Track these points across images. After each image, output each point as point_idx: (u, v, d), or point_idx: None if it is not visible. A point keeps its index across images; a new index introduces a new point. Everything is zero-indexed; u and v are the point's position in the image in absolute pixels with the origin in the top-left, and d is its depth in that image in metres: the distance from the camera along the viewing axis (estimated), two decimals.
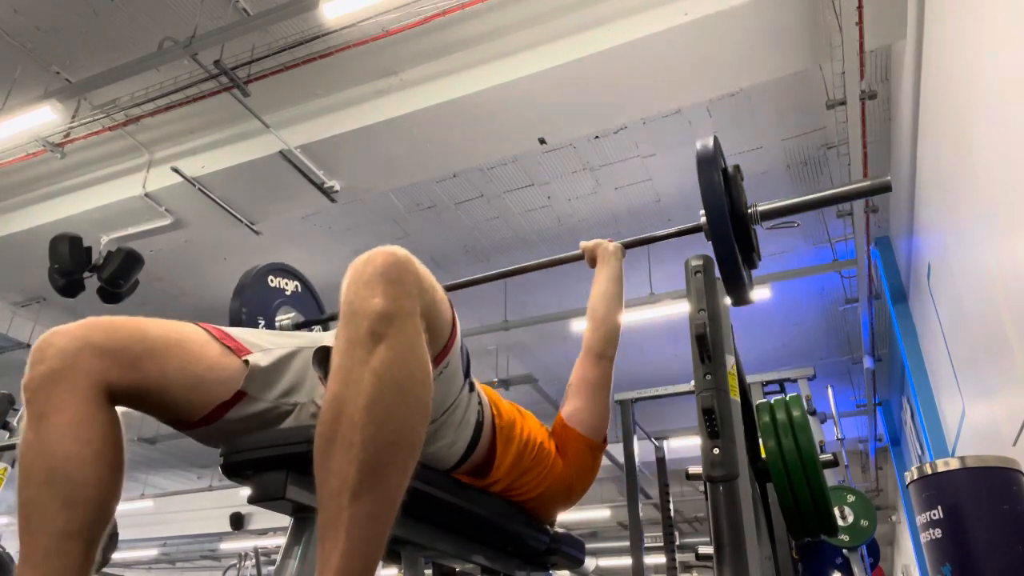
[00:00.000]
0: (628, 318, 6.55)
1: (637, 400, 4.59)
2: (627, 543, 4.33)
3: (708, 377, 1.61)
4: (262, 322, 1.88)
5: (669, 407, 5.79)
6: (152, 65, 4.32)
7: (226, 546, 12.65)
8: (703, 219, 1.55)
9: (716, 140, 1.55)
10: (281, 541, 1.00)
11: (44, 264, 4.88)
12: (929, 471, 2.20)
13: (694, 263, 1.78)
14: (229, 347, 1.04)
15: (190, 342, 1.01)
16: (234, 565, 8.39)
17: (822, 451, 4.00)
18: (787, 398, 1.82)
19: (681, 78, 4.21)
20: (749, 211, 1.62)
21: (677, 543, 4.22)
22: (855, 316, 6.82)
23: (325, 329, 2.00)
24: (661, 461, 4.76)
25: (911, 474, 2.28)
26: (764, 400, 1.86)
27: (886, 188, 1.59)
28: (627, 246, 1.83)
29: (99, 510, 0.89)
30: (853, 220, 5.07)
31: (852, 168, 4.56)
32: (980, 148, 2.79)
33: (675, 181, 5.68)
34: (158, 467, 11.80)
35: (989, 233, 2.83)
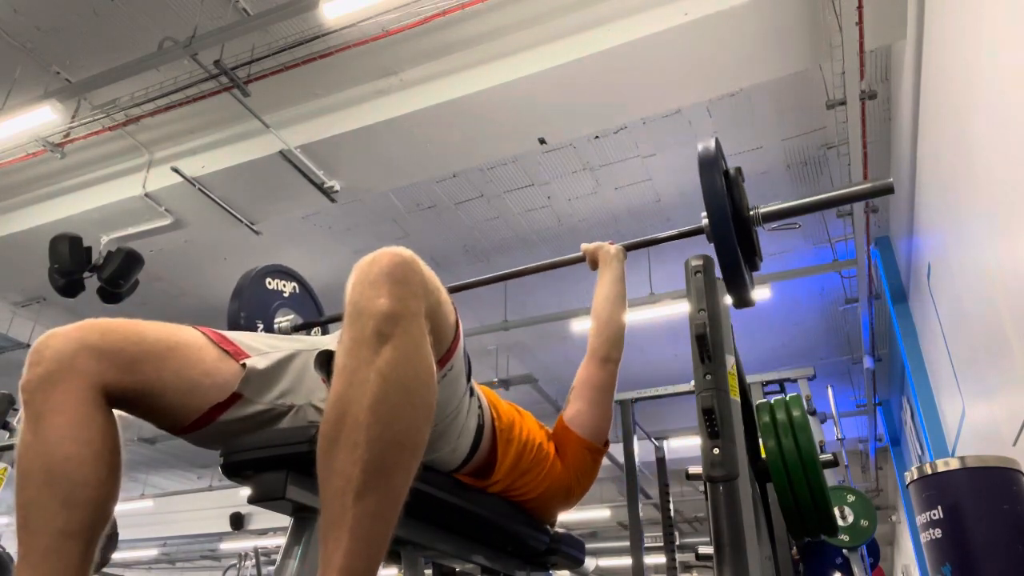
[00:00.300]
0: (628, 318, 6.55)
1: (637, 400, 4.59)
2: (627, 543, 4.33)
3: (708, 377, 1.61)
4: (261, 325, 1.87)
5: (669, 407, 5.80)
6: (152, 65, 4.32)
7: (226, 546, 12.64)
8: (704, 221, 1.55)
9: (717, 142, 1.55)
10: (281, 541, 1.00)
11: (44, 264, 4.88)
12: (929, 471, 2.20)
13: (694, 263, 1.78)
14: (227, 351, 1.04)
15: (187, 346, 1.01)
16: (234, 565, 8.39)
17: (822, 451, 4.00)
18: (787, 398, 1.82)
19: (681, 78, 4.20)
20: (751, 213, 1.62)
21: (677, 543, 4.22)
22: (855, 316, 6.82)
23: (324, 331, 2.00)
24: (661, 461, 4.77)
25: (911, 474, 2.28)
26: (764, 400, 1.86)
27: (888, 190, 1.60)
28: (628, 248, 1.83)
29: (98, 510, 0.89)
30: (853, 220, 5.07)
31: (852, 168, 4.56)
32: (980, 148, 2.79)
33: (675, 181, 5.68)
34: (158, 467, 11.80)
35: (989, 233, 2.83)
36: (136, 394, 0.95)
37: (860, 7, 3.55)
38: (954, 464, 2.17)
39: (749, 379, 3.69)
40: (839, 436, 6.66)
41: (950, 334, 4.04)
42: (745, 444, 1.58)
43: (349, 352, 0.84)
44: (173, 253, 6.22)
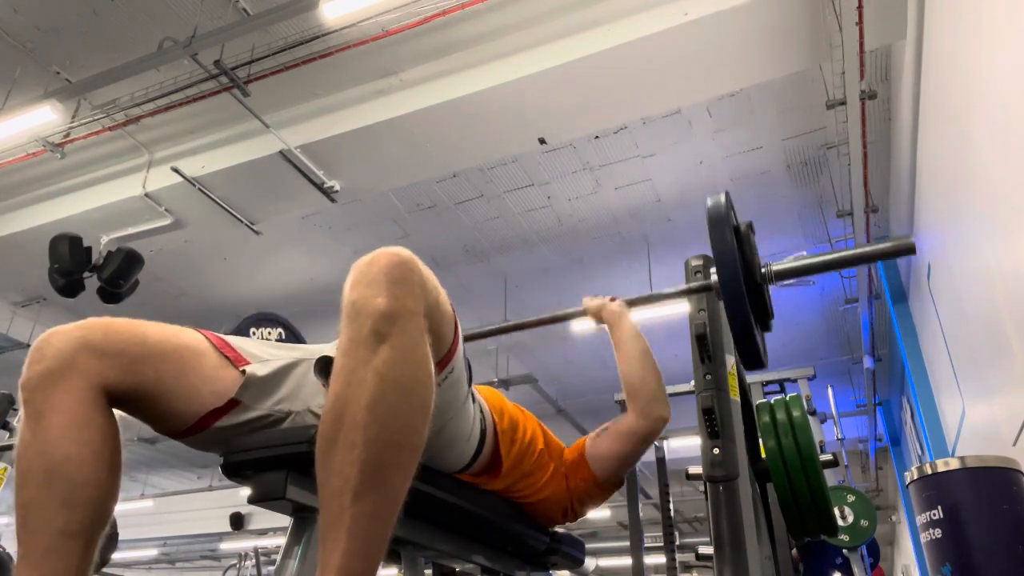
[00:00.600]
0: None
1: None
2: (627, 543, 4.33)
3: (708, 377, 1.61)
4: None
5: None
6: (152, 65, 4.31)
7: (226, 546, 12.64)
8: (714, 278, 1.47)
9: (727, 196, 1.48)
10: (281, 541, 1.00)
11: (44, 264, 4.88)
12: (929, 471, 2.20)
13: (694, 263, 1.78)
14: (228, 357, 1.04)
15: (189, 349, 1.00)
16: (234, 565, 8.39)
17: (822, 451, 4.01)
18: (787, 398, 1.82)
19: (681, 78, 4.20)
20: (763, 271, 1.54)
21: (677, 543, 4.22)
22: (855, 316, 6.82)
23: None
24: (661, 461, 4.76)
25: (911, 474, 2.28)
26: (764, 400, 1.86)
27: (910, 250, 1.49)
28: (631, 304, 1.75)
29: (98, 510, 0.89)
30: (853, 220, 5.06)
31: (852, 168, 4.56)
32: (980, 148, 2.79)
33: (675, 181, 5.68)
34: (158, 467, 11.80)
35: (989, 233, 2.83)
36: (136, 395, 0.95)
37: (860, 7, 3.54)
38: (954, 464, 2.17)
39: (749, 379, 3.69)
40: (839, 436, 6.66)
41: (950, 334, 4.04)
42: (745, 444, 1.59)
43: (347, 352, 0.84)
44: (173, 253, 6.22)
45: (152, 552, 13.75)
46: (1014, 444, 2.76)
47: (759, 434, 1.81)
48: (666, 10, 3.90)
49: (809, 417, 2.92)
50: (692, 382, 1.65)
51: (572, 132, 4.85)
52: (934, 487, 2.17)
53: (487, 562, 1.42)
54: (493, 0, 4.10)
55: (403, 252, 0.90)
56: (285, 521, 0.99)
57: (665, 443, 4.97)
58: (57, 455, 0.87)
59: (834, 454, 4.00)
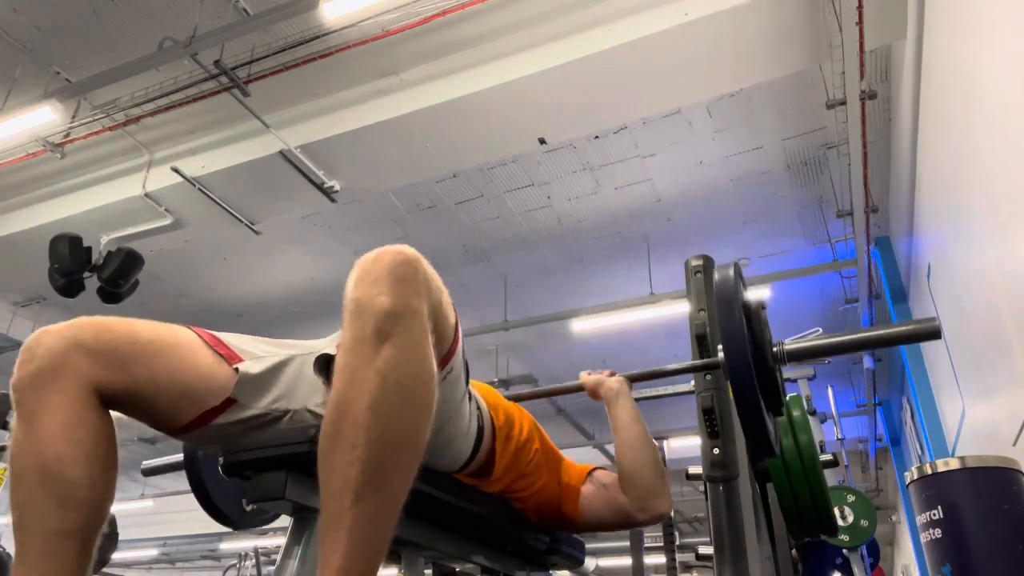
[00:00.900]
0: (628, 318, 6.56)
1: (637, 400, 4.58)
2: (627, 543, 4.33)
3: (708, 377, 1.61)
4: None
5: (669, 407, 5.80)
6: (152, 65, 4.32)
7: (226, 546, 12.64)
8: (721, 355, 1.36)
9: (737, 269, 1.37)
10: (281, 541, 1.00)
11: (44, 264, 4.88)
12: (929, 471, 2.20)
13: (694, 263, 1.78)
14: (221, 354, 1.03)
15: (181, 347, 1.00)
16: (234, 565, 8.39)
17: (822, 451, 4.00)
18: (787, 398, 1.82)
19: (681, 78, 4.20)
20: (774, 350, 1.43)
21: (677, 543, 4.22)
22: (855, 316, 6.82)
23: None
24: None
25: (911, 474, 2.28)
26: None
27: (935, 334, 1.35)
28: (633, 380, 1.63)
29: (93, 510, 0.89)
30: (853, 220, 5.06)
31: (852, 168, 4.56)
32: (980, 148, 2.79)
33: (675, 181, 5.68)
34: None
35: (989, 233, 2.83)
36: (129, 394, 0.94)
37: (860, 7, 3.54)
38: (954, 464, 2.17)
39: None
40: (839, 436, 6.65)
41: (950, 334, 4.04)
42: (745, 444, 1.59)
43: (349, 350, 0.83)
44: (173, 253, 6.22)
45: (152, 552, 13.75)
46: (1014, 444, 2.76)
47: None
48: (666, 10, 3.90)
49: (809, 417, 2.92)
50: (692, 382, 1.65)
51: (572, 132, 4.85)
52: (934, 487, 2.17)
53: (487, 562, 1.42)
54: (493, 0, 4.10)
55: (407, 250, 0.89)
56: (285, 521, 0.99)
57: (665, 443, 4.97)
58: (50, 455, 0.86)
59: (834, 454, 4.00)
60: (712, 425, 1.54)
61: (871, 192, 4.86)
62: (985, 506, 2.06)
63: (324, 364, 1.04)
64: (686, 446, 7.35)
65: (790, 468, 1.69)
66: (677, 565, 4.01)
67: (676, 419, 7.30)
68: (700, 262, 1.76)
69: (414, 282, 0.87)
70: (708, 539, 1.51)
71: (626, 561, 7.23)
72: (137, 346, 0.96)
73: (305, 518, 0.97)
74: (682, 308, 6.02)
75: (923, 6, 3.43)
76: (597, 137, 5.20)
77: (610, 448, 9.58)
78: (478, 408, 1.27)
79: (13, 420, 0.91)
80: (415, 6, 4.02)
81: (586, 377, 1.66)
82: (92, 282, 4.95)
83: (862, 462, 10.94)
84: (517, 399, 1.84)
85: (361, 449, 0.78)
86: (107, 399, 0.93)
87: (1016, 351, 2.60)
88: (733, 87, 4.45)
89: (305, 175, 4.87)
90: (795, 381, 4.75)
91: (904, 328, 1.43)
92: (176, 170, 4.93)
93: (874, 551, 4.83)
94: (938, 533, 2.12)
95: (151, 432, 9.47)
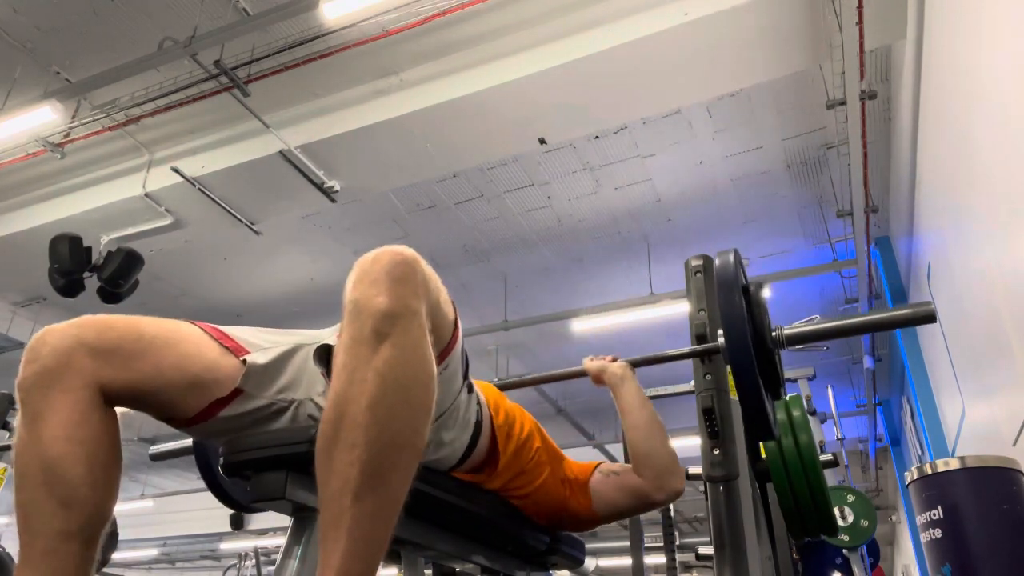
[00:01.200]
0: (628, 318, 6.56)
1: None
2: (627, 543, 4.33)
3: (708, 377, 1.61)
4: None
5: (669, 407, 5.80)
6: (152, 65, 4.31)
7: (226, 546, 12.64)
8: (722, 340, 1.39)
9: (736, 255, 1.39)
10: (281, 541, 1.00)
11: (44, 264, 4.88)
12: (929, 471, 2.20)
13: (694, 263, 1.78)
14: (227, 347, 1.03)
15: (186, 341, 1.00)
16: (234, 565, 8.38)
17: (822, 451, 4.01)
18: (787, 398, 1.82)
19: (681, 78, 4.20)
20: (774, 335, 1.46)
21: (677, 543, 4.22)
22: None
23: None
24: None
25: (911, 474, 2.28)
26: None
27: (930, 318, 1.40)
28: (635, 365, 1.64)
29: (96, 510, 0.89)
30: (853, 220, 5.07)
31: (852, 168, 4.56)
32: (980, 148, 2.79)
33: (675, 181, 5.68)
34: (158, 467, 11.80)
35: (989, 233, 2.83)
36: (136, 390, 0.95)
37: (860, 7, 3.54)
38: (954, 464, 2.17)
39: None
40: (839, 436, 6.65)
41: (950, 334, 4.04)
42: (745, 444, 1.59)
43: (348, 350, 0.84)
44: (173, 253, 6.22)
45: (152, 552, 13.75)
46: (1014, 444, 2.76)
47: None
48: (666, 10, 3.90)
49: (809, 417, 2.92)
50: (692, 382, 1.65)
51: (572, 132, 4.85)
52: (934, 487, 2.17)
53: (487, 562, 1.42)
54: (493, 0, 4.10)
55: (406, 251, 0.90)
56: (285, 521, 0.99)
57: None
58: (53, 455, 0.87)
59: (834, 454, 4.00)
60: (712, 425, 1.54)
61: (871, 192, 4.86)
62: (985, 506, 2.06)
63: (324, 354, 1.05)
64: (686, 446, 7.35)
65: (790, 468, 1.69)
66: (677, 565, 4.01)
67: (676, 419, 7.29)
68: (700, 262, 1.76)
69: (412, 282, 0.88)
70: (708, 539, 1.52)
71: (626, 561, 7.22)
72: (142, 342, 0.96)
73: (305, 518, 0.97)
74: (682, 308, 6.02)
75: (923, 6, 3.43)
76: (597, 137, 5.20)
77: (611, 448, 9.59)
78: (478, 404, 1.27)
79: (17, 419, 0.92)
80: (415, 6, 4.02)
81: (589, 363, 1.68)
82: (92, 282, 4.95)
83: (862, 462, 10.94)
84: (520, 385, 1.85)
85: (360, 449, 0.78)
86: (113, 396, 0.94)
87: (1016, 351, 2.60)
88: (733, 87, 4.45)
89: (305, 175, 4.87)
90: (795, 381, 4.75)
91: (900, 312, 1.50)
92: (176, 170, 4.93)
93: (874, 551, 4.83)
94: (938, 533, 2.12)
95: (151, 432, 9.49)
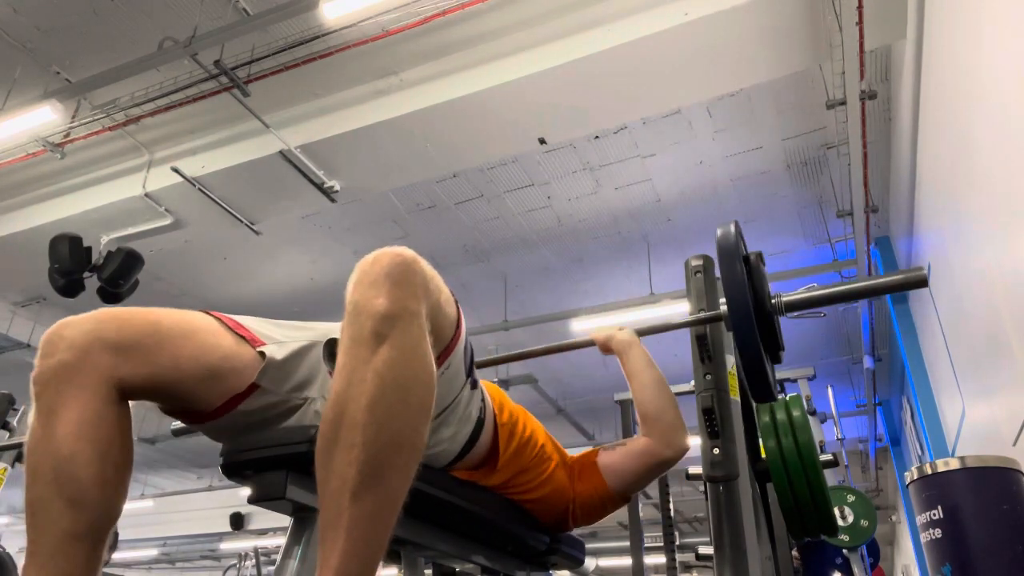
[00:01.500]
0: (628, 318, 6.56)
1: None
2: (627, 543, 4.33)
3: (708, 377, 1.61)
4: None
5: None
6: (152, 65, 4.31)
7: (226, 546, 12.65)
8: (724, 308, 1.47)
9: (737, 226, 1.47)
10: (281, 541, 1.00)
11: (44, 264, 4.88)
12: (929, 471, 2.20)
13: (694, 263, 1.78)
14: (243, 336, 1.03)
15: (203, 332, 1.00)
16: (234, 565, 8.39)
17: (822, 451, 4.01)
18: (787, 398, 1.82)
19: (681, 78, 4.20)
20: (773, 302, 1.53)
21: (677, 543, 4.22)
22: (855, 316, 6.82)
23: None
24: None
25: (911, 474, 2.28)
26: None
27: (922, 283, 1.48)
28: (641, 334, 1.73)
29: (105, 510, 0.89)
30: (853, 220, 5.07)
31: (852, 168, 4.56)
32: (980, 148, 2.79)
33: (675, 181, 5.68)
34: (158, 467, 11.80)
35: (989, 233, 2.83)
36: (153, 384, 0.94)
37: (860, 7, 3.54)
38: (954, 464, 2.17)
39: None
40: (839, 436, 6.66)
41: (950, 334, 4.04)
42: (745, 444, 1.59)
43: (348, 351, 0.84)
44: (173, 253, 6.22)
45: (152, 552, 13.76)
46: (1014, 444, 2.76)
47: (759, 434, 1.81)
48: (666, 10, 3.90)
49: (809, 417, 2.92)
50: (692, 382, 1.65)
51: (572, 132, 4.85)
52: (934, 487, 2.17)
53: (487, 562, 1.42)
54: (493, 0, 4.10)
55: (406, 252, 0.90)
56: (285, 521, 0.99)
57: None
58: (65, 453, 0.86)
59: (834, 454, 4.00)
60: (712, 425, 1.54)
61: (871, 192, 4.86)
62: (985, 506, 2.06)
63: (332, 351, 1.05)
64: None
65: (790, 468, 1.69)
66: (677, 565, 4.01)
67: None
68: (700, 262, 1.76)
69: (411, 284, 0.88)
70: (708, 539, 1.52)
71: (626, 561, 7.23)
72: (158, 335, 0.96)
73: (305, 518, 0.97)
74: (682, 308, 6.01)
75: (923, 6, 3.43)
76: (597, 137, 5.20)
77: None
78: (482, 400, 1.27)
79: (31, 414, 0.91)
80: (415, 6, 4.02)
81: (595, 332, 1.74)
82: (92, 282, 4.95)
83: (862, 462, 10.94)
84: (527, 356, 1.88)
85: (359, 449, 0.79)
86: (130, 391, 0.93)
87: (1016, 351, 2.60)
88: (733, 87, 4.45)
89: (305, 175, 4.87)
90: (795, 381, 4.75)
91: (893, 278, 1.56)
92: (176, 170, 4.93)
93: (874, 551, 4.83)
94: (938, 533, 2.12)
95: (151, 432, 9.49)
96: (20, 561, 0.91)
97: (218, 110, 4.84)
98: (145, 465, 11.64)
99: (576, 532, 1.58)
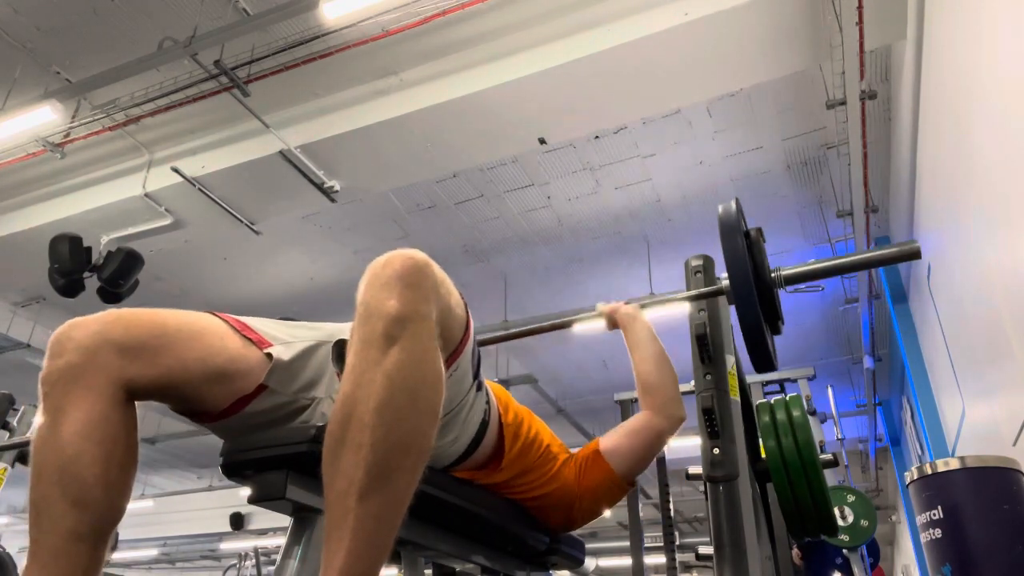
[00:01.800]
0: None
1: (636, 400, 4.57)
2: (627, 543, 4.33)
3: (708, 377, 1.61)
4: None
5: None
6: (152, 65, 4.31)
7: (226, 546, 12.65)
8: (725, 282, 1.52)
9: (738, 203, 1.52)
10: (281, 541, 1.00)
11: (44, 264, 4.88)
12: (929, 471, 2.20)
13: (694, 263, 1.78)
14: (249, 338, 1.03)
15: (210, 333, 1.00)
16: (234, 565, 8.39)
17: (822, 451, 4.00)
18: (787, 398, 1.82)
19: (681, 78, 4.20)
20: (773, 275, 1.58)
21: (677, 543, 4.22)
22: (855, 316, 6.82)
23: None
24: (661, 461, 4.76)
25: (911, 474, 2.28)
26: (764, 400, 1.86)
27: (915, 255, 1.54)
28: (645, 307, 1.79)
29: (108, 510, 0.89)
30: (853, 220, 5.07)
31: (852, 168, 4.56)
32: (980, 148, 2.79)
33: (675, 181, 5.68)
34: (158, 467, 11.80)
35: (989, 233, 2.83)
36: (160, 385, 0.95)
37: (860, 7, 3.54)
38: (954, 464, 2.17)
39: (749, 379, 3.69)
40: (839, 436, 6.65)
41: (950, 334, 4.04)
42: (745, 444, 1.59)
43: (358, 353, 0.84)
44: (173, 253, 6.22)
45: (152, 552, 13.76)
46: (1014, 444, 2.76)
47: (759, 434, 1.81)
48: (666, 10, 3.90)
49: (809, 417, 2.92)
50: (692, 382, 1.65)
51: (572, 132, 4.85)
52: (934, 487, 2.17)
53: (487, 562, 1.42)
54: (493, 0, 4.10)
55: (417, 255, 0.90)
56: (285, 521, 0.99)
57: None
58: (70, 453, 0.87)
59: (834, 454, 4.00)
60: (712, 425, 1.54)
61: (871, 192, 4.86)
62: (985, 506, 2.06)
63: (340, 352, 1.05)
64: (686, 446, 7.35)
65: (790, 468, 1.69)
66: (677, 565, 4.01)
67: None
68: (700, 262, 1.76)
69: (423, 287, 0.88)
70: (708, 539, 1.52)
71: (626, 561, 7.23)
72: (166, 337, 0.96)
73: (305, 518, 0.97)
74: (682, 308, 5.99)
75: (923, 6, 3.43)
76: (597, 137, 5.20)
77: None
78: (487, 402, 1.28)
79: (37, 414, 0.91)
80: (415, 6, 4.02)
81: (602, 306, 1.80)
82: (92, 282, 4.95)
83: (862, 462, 10.93)
84: (532, 333, 1.91)
85: (367, 450, 0.79)
86: (138, 392, 0.94)
87: (1016, 351, 2.60)
88: (733, 87, 4.45)
89: (305, 175, 4.87)
90: (795, 381, 4.75)
91: (888, 251, 1.62)
92: (176, 170, 4.93)
93: (874, 551, 4.83)
94: (938, 533, 2.12)
95: (151, 432, 9.49)
96: (21, 561, 0.91)
97: (218, 110, 4.84)
98: (145, 465, 11.64)
99: (576, 532, 1.58)
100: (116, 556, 10.83)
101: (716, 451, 1.52)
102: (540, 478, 1.41)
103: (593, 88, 4.26)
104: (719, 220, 1.47)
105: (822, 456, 1.91)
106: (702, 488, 1.65)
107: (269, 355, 1.02)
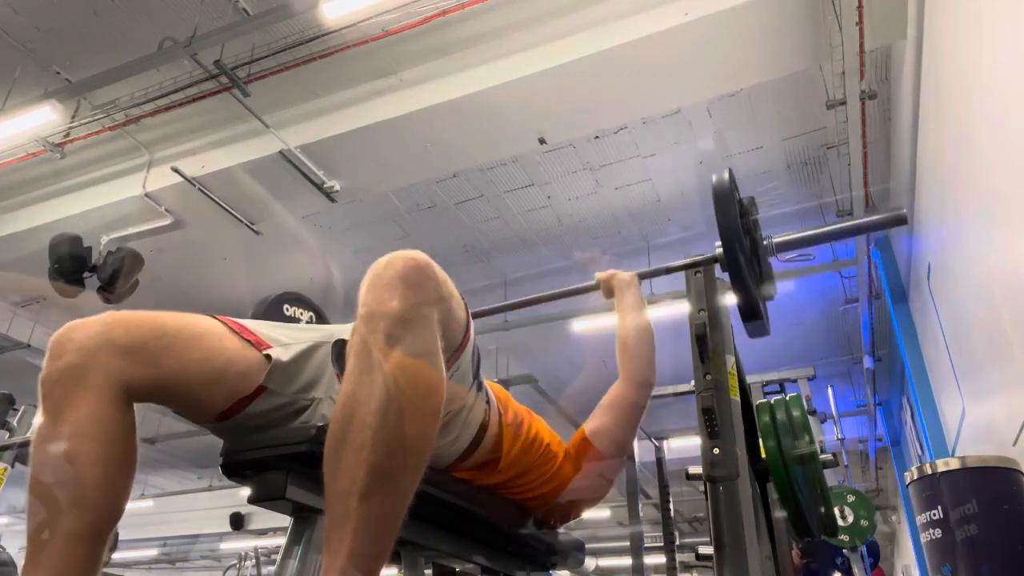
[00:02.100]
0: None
1: None
2: (627, 543, 4.33)
3: (708, 377, 1.61)
4: None
5: (669, 407, 5.79)
6: (152, 65, 4.32)
7: (226, 546, 12.65)
8: (719, 250, 1.55)
9: (731, 173, 1.55)
10: (281, 541, 1.00)
11: (44, 264, 4.88)
12: (929, 471, 2.20)
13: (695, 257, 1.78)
14: (249, 340, 1.04)
15: (210, 335, 1.01)
16: (234, 565, 8.39)
17: (822, 451, 4.00)
18: (787, 398, 1.82)
19: (681, 78, 4.20)
20: (764, 243, 1.63)
21: (677, 543, 4.22)
22: (855, 316, 6.81)
23: None
24: (661, 461, 4.76)
25: (911, 474, 2.28)
26: (764, 400, 1.86)
27: (901, 221, 1.61)
28: (642, 277, 1.83)
29: (107, 511, 0.89)
30: (853, 220, 5.06)
31: (852, 168, 4.56)
32: (980, 148, 2.79)
33: (675, 181, 5.68)
34: (158, 467, 11.79)
35: (989, 233, 2.83)
36: (160, 387, 0.95)
37: (860, 7, 3.55)
38: (954, 464, 2.17)
39: (749, 379, 3.69)
40: (839, 436, 6.66)
41: (950, 334, 4.04)
42: (745, 444, 1.58)
43: (359, 353, 0.84)
44: (173, 253, 6.22)
45: (152, 552, 13.76)
46: (1014, 444, 2.76)
47: (759, 434, 1.81)
48: (666, 10, 3.90)
49: (809, 417, 2.91)
50: (692, 382, 1.65)
51: (572, 132, 4.85)
52: (934, 487, 2.17)
53: (487, 562, 1.42)
54: (493, 0, 4.10)
55: (419, 256, 0.91)
56: (285, 521, 0.99)
57: (665, 443, 4.97)
58: (69, 453, 0.87)
59: (834, 454, 3.99)
60: (712, 425, 1.54)
61: (871, 192, 4.86)
62: (985, 506, 2.06)
63: (339, 352, 1.05)
64: (686, 446, 7.35)
65: (790, 468, 1.69)
66: (677, 565, 4.01)
67: (676, 419, 7.30)
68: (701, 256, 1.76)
69: (425, 288, 0.88)
70: (708, 539, 1.52)
71: (626, 561, 7.22)
72: (166, 338, 0.96)
73: (305, 518, 0.97)
74: (682, 308, 6.00)
75: (923, 6, 3.43)
76: (597, 137, 5.20)
77: None
78: (487, 402, 1.28)
79: (37, 415, 0.91)
80: (415, 6, 4.02)
81: (600, 275, 1.87)
82: (92, 282, 4.95)
83: (862, 462, 10.93)
84: (529, 303, 1.95)
85: (368, 451, 0.79)
86: (138, 393, 0.94)
87: (1016, 351, 2.60)
88: (733, 87, 4.45)
89: (305, 175, 4.87)
90: (795, 381, 4.75)
91: (875, 218, 1.76)
92: (176, 170, 4.93)
93: (874, 551, 4.83)
94: (938, 533, 2.12)
95: (151, 432, 9.48)
96: (21, 561, 0.91)
97: (218, 110, 4.84)
98: (145, 465, 11.63)
99: (576, 532, 1.58)
100: (116, 556, 10.83)
101: (716, 451, 1.52)
102: (540, 478, 1.41)
103: (593, 88, 4.26)
104: (713, 188, 1.51)
105: (822, 456, 1.91)
106: (702, 488, 1.65)
107: (268, 356, 1.03)
